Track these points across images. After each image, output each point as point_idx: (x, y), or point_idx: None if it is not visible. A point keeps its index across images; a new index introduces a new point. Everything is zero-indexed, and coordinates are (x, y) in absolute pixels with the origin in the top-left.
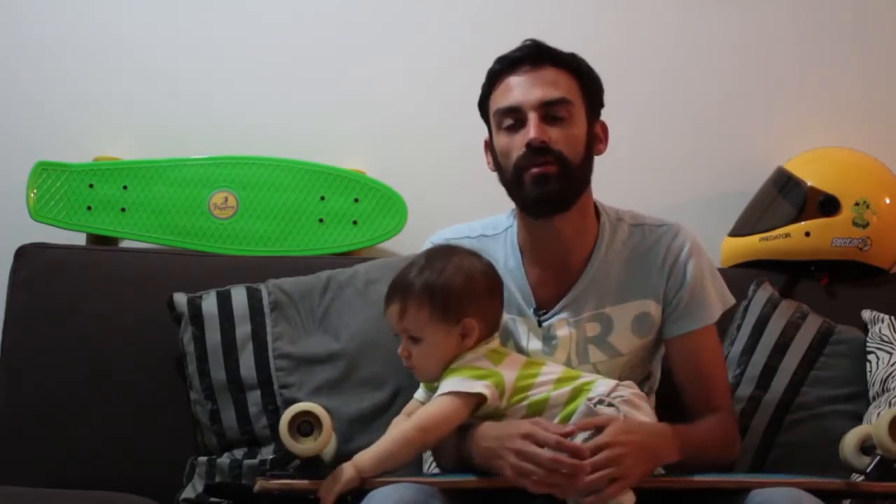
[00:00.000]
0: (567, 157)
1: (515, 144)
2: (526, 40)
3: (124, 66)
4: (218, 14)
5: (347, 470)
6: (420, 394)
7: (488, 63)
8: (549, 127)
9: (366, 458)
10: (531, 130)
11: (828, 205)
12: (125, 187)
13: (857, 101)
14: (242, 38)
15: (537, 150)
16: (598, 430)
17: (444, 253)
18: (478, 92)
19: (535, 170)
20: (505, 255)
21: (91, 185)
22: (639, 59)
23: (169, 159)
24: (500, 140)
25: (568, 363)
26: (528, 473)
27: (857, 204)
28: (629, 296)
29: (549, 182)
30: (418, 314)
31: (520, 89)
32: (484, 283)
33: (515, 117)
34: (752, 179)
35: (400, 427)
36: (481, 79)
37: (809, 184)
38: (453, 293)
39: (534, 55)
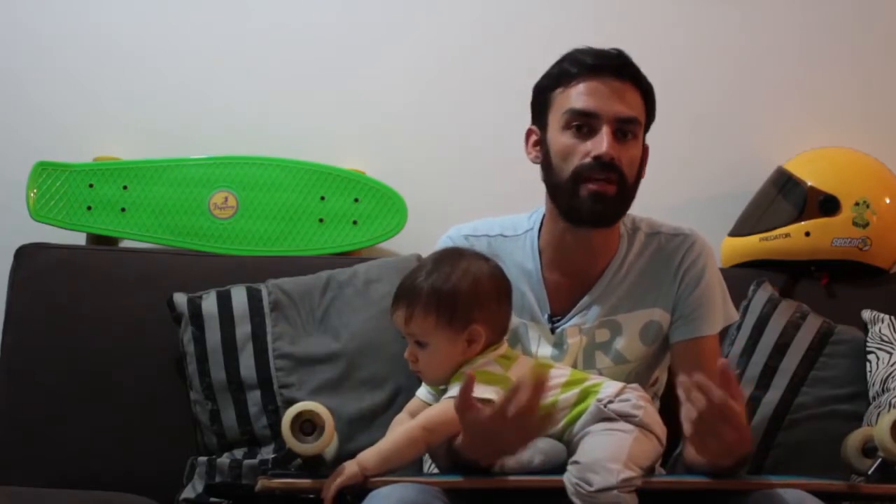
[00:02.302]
0: (627, 177)
1: (580, 150)
2: (612, 49)
3: (124, 66)
4: (218, 14)
5: (350, 466)
6: (423, 392)
7: (488, 63)
8: (617, 143)
9: (369, 455)
10: (604, 144)
11: (828, 205)
12: (125, 187)
13: (857, 101)
14: (242, 38)
15: (605, 166)
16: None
17: (452, 257)
18: (477, 92)
19: (593, 186)
20: (523, 258)
21: (91, 185)
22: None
23: (169, 159)
24: (563, 139)
25: (574, 368)
26: (476, 446)
27: (857, 204)
28: (640, 304)
29: (605, 201)
30: (424, 320)
31: (601, 97)
32: (492, 290)
33: (588, 123)
34: (752, 179)
35: (405, 426)
36: (481, 79)
37: (809, 184)
38: (460, 300)
39: (620, 67)
